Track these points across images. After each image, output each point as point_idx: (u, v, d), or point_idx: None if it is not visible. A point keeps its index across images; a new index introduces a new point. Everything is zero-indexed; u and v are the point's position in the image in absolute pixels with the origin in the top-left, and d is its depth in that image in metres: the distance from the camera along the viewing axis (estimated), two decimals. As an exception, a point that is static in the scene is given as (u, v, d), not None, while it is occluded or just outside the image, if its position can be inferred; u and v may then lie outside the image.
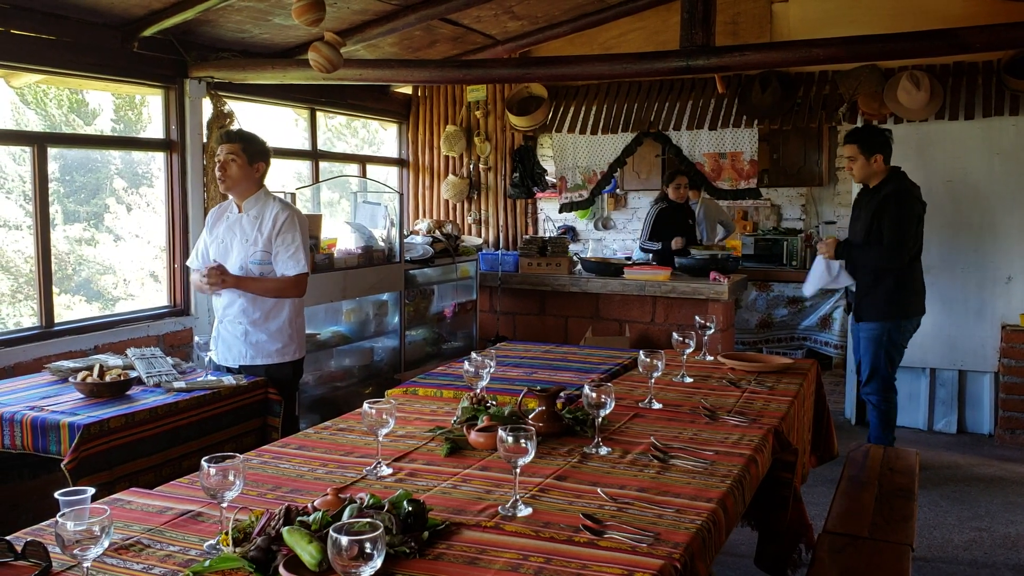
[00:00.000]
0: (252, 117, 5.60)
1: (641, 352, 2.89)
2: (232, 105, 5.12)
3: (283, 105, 5.89)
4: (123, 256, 5.56)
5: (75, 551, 1.43)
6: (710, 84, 6.37)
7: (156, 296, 5.11)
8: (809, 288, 5.14)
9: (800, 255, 7.81)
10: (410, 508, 1.77)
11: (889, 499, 3.07)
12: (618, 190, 9.01)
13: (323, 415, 4.71)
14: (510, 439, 1.90)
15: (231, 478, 1.70)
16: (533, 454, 1.92)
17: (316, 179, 6.07)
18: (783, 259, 7.79)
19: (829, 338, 7.36)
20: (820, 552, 2.63)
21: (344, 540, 1.35)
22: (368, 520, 1.47)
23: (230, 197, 3.77)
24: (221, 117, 4.99)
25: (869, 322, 4.66)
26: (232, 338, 3.71)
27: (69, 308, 5.09)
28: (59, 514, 1.47)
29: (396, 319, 5.65)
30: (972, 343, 5.66)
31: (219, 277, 3.55)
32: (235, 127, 4.92)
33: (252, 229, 3.69)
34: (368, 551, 1.36)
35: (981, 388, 5.70)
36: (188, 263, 3.91)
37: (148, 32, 4.47)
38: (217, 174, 3.64)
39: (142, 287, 5.56)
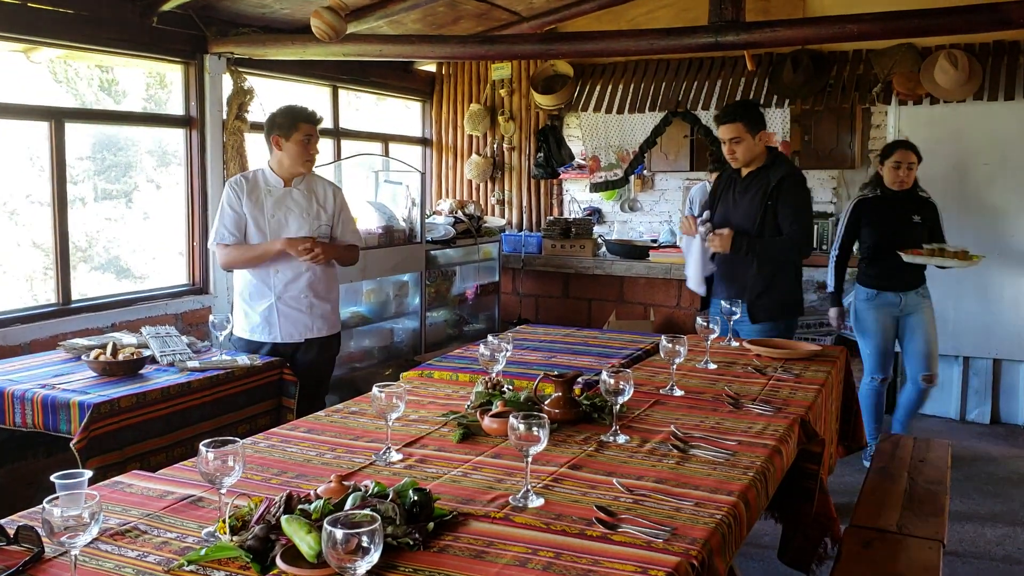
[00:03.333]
0: (273, 94, 5.54)
1: (663, 337, 2.80)
2: (252, 81, 5.07)
3: (304, 82, 5.83)
4: (152, 234, 5.54)
5: (63, 538, 1.37)
6: (740, 62, 6.21)
7: (179, 274, 5.07)
8: (697, 283, 4.13)
9: (831, 239, 7.63)
10: (416, 497, 1.70)
11: (920, 492, 2.96)
12: (645, 171, 8.86)
13: (341, 397, 4.64)
14: (522, 427, 1.82)
15: (230, 463, 1.64)
16: (546, 442, 1.84)
17: (337, 157, 6.00)
18: (813, 243, 7.60)
19: (859, 324, 7.19)
20: (847, 546, 2.53)
21: (339, 533, 1.28)
22: (366, 511, 1.40)
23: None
24: (241, 94, 4.94)
25: (765, 323, 3.93)
26: (297, 313, 3.74)
27: (100, 285, 5.08)
28: (47, 499, 1.41)
29: (417, 300, 5.59)
30: (1008, 331, 5.49)
31: (319, 248, 3.62)
32: (254, 104, 4.88)
33: (309, 203, 3.75)
34: (364, 545, 1.29)
35: (1016, 377, 5.54)
36: (218, 240, 3.70)
37: (167, 6, 4.42)
38: (302, 158, 3.68)
39: (171, 266, 5.54)
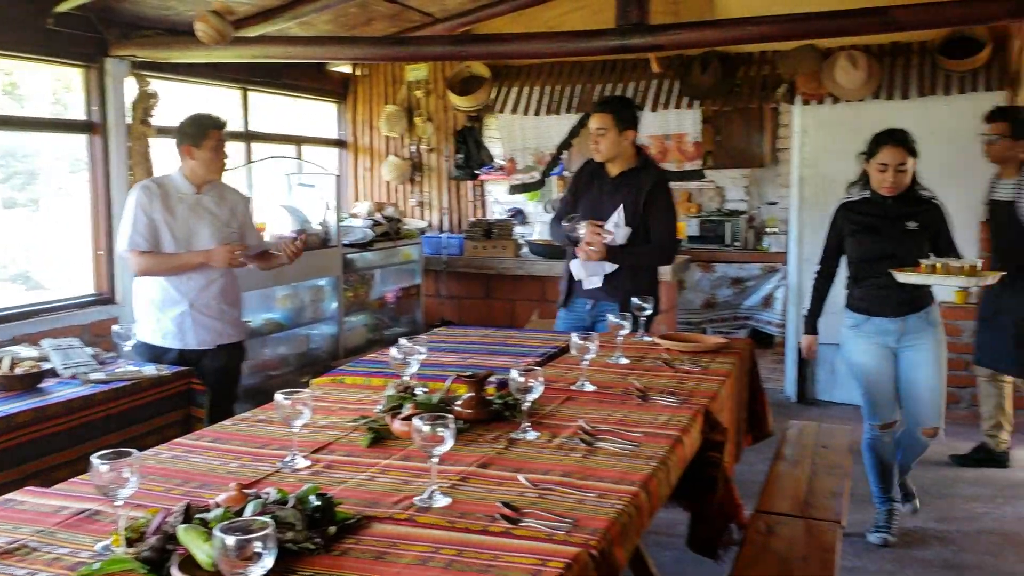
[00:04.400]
0: (181, 97, 5.43)
1: (574, 335, 2.85)
2: (158, 85, 4.95)
3: (213, 85, 5.72)
4: (59, 243, 5.37)
5: (-60, 559, 1.33)
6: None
7: (86, 284, 4.92)
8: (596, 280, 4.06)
9: (743, 236, 7.85)
10: (317, 503, 1.70)
11: (821, 477, 3.08)
12: (566, 172, 8.95)
13: (256, 405, 4.58)
14: (426, 428, 1.83)
15: (125, 475, 1.61)
16: (451, 443, 1.85)
17: (248, 160, 5.91)
18: (726, 240, 7.82)
19: (771, 317, 7.42)
20: (750, 532, 2.62)
21: (230, 540, 1.27)
22: (258, 518, 1.40)
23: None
24: (145, 98, 4.82)
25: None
26: (210, 320, 3.77)
27: (6, 297, 4.90)
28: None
29: (334, 305, 5.54)
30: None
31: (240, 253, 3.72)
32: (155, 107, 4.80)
33: (221, 210, 3.78)
34: (257, 551, 1.28)
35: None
36: (131, 247, 3.63)
37: (63, 7, 4.29)
38: (215, 164, 3.72)
39: (78, 275, 5.38)
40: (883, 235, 3.66)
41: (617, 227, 3.93)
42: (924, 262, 3.47)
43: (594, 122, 3.91)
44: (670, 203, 4.04)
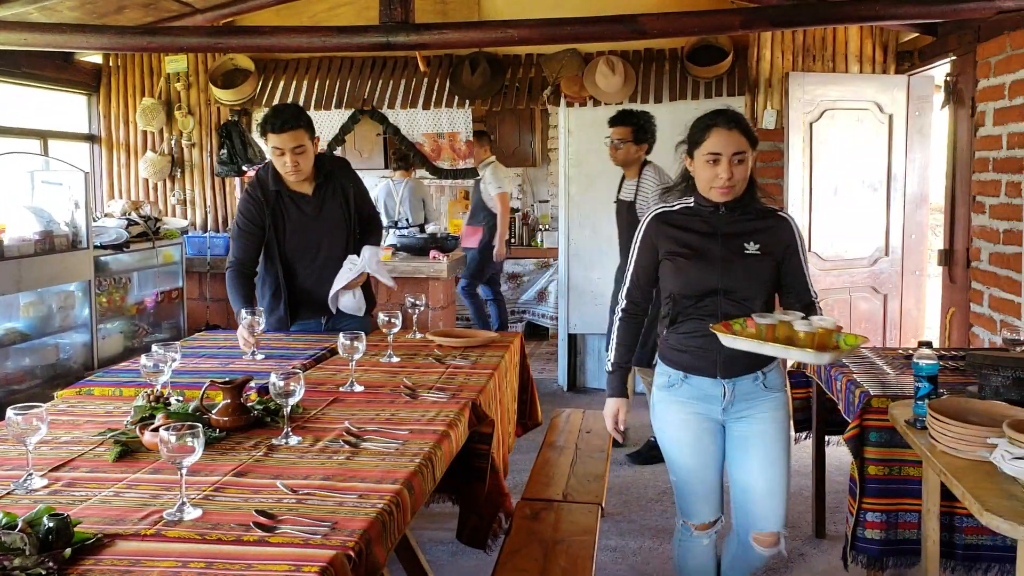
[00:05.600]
0: None
1: (341, 335, 2.81)
2: None
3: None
4: None
5: None
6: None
7: None
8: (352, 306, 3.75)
9: (519, 233, 8.12)
10: (51, 524, 1.58)
11: (584, 461, 3.24)
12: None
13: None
14: (173, 438, 1.75)
15: None
16: (200, 452, 1.78)
17: (-18, 156, 5.35)
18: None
19: (546, 310, 7.74)
20: (517, 519, 2.71)
21: (-67, 576, 1.15)
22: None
23: None
24: None
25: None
26: None
27: None
28: None
29: (86, 312, 5.14)
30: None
31: None
32: None
33: None
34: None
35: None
36: None
37: None
38: None
39: None
40: (710, 261, 2.51)
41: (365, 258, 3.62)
42: (759, 319, 2.38)
43: (288, 141, 3.38)
44: (364, 185, 3.79)
